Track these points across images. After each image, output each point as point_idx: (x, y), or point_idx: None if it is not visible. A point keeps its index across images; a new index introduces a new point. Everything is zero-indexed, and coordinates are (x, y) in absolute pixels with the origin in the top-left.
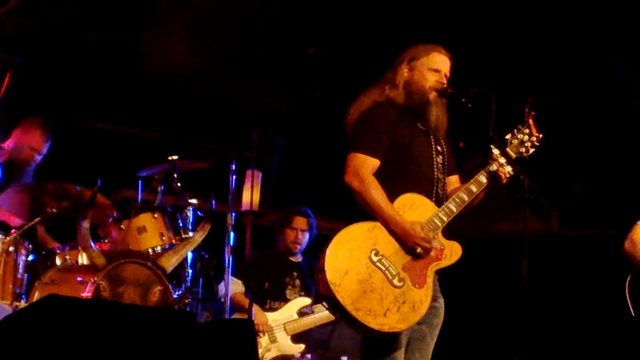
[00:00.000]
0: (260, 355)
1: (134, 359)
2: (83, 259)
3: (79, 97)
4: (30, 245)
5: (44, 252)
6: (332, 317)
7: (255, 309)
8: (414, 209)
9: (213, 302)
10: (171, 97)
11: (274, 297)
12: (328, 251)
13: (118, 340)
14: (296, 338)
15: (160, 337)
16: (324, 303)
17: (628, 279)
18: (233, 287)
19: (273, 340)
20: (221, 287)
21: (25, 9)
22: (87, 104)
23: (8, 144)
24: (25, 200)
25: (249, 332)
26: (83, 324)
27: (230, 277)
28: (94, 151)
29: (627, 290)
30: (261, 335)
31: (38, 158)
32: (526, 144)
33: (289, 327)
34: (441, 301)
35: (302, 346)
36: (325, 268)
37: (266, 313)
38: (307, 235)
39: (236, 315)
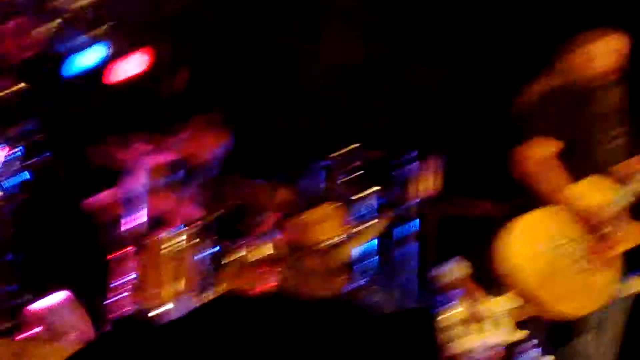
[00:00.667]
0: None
1: (320, 349)
2: (265, 251)
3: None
4: (214, 237)
5: (227, 244)
6: None
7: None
8: (596, 192)
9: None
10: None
11: None
12: (510, 239)
13: (299, 334)
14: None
15: (342, 329)
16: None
17: None
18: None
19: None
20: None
21: None
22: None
23: (183, 148)
24: (206, 193)
25: (429, 323)
26: (263, 319)
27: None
28: (273, 144)
29: None
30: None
31: (216, 157)
32: None
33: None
34: (629, 282)
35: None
36: (509, 256)
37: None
38: None
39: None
